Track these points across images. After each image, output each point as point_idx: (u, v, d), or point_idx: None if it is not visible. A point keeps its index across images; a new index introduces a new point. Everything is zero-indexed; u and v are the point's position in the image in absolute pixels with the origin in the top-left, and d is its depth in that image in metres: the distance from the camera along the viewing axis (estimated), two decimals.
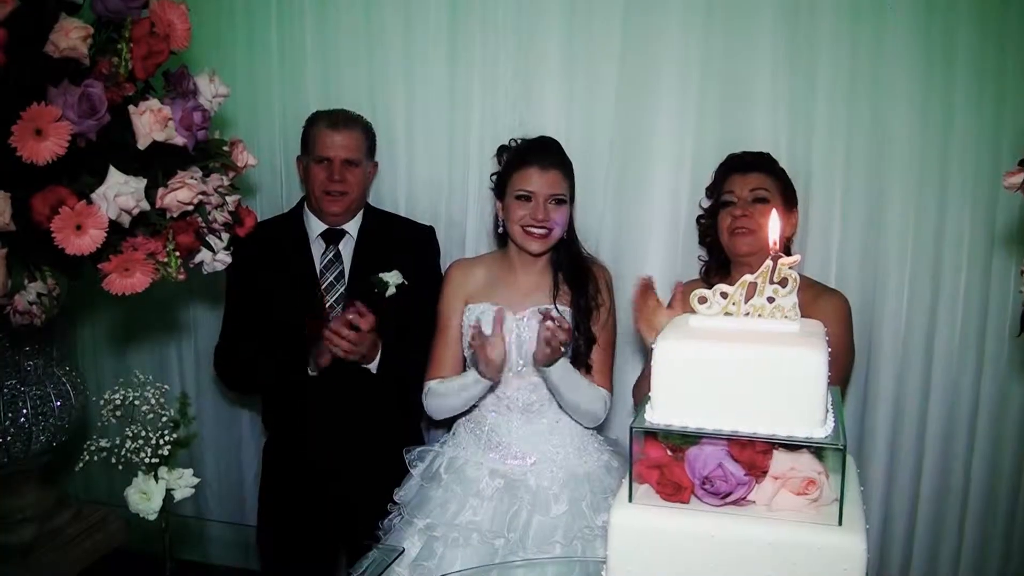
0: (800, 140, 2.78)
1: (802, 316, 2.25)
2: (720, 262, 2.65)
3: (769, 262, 1.38)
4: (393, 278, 2.70)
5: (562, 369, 2.40)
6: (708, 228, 2.70)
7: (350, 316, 2.54)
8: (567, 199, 2.53)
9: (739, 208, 2.50)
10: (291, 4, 3.15)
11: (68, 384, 2.13)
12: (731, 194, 2.53)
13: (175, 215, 1.88)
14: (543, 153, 2.53)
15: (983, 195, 2.70)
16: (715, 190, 2.66)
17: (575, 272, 2.60)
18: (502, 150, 2.66)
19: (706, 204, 2.74)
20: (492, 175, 2.67)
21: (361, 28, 3.10)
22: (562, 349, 2.35)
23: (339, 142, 2.73)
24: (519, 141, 2.63)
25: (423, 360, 2.68)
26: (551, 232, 2.50)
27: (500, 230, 2.62)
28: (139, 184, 1.77)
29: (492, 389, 2.51)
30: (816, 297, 2.44)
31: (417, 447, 2.63)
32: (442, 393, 2.55)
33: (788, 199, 2.56)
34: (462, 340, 2.61)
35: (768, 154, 2.61)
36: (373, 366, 2.67)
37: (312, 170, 2.74)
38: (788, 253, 2.44)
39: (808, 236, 2.81)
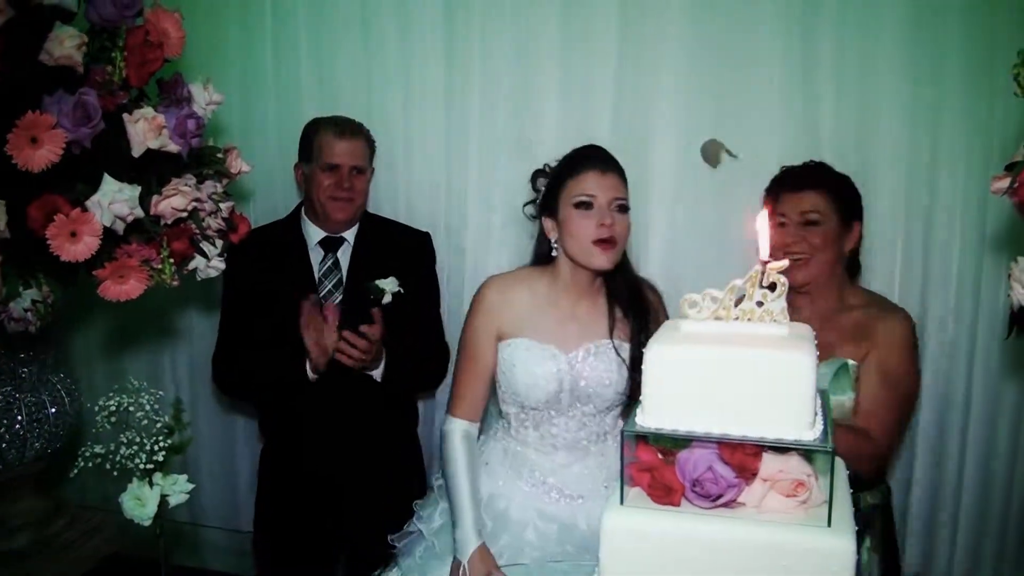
0: (789, 144, 2.79)
1: (861, 337, 2.28)
2: None
3: (758, 266, 1.40)
4: (389, 285, 2.70)
5: None
6: None
7: (361, 327, 2.55)
8: (628, 206, 2.28)
9: (789, 234, 2.33)
10: (286, 10, 3.16)
11: (63, 391, 2.14)
12: (783, 216, 2.35)
13: (169, 222, 1.89)
14: (598, 157, 2.28)
15: (973, 198, 2.71)
16: (768, 204, 2.41)
17: (634, 300, 2.34)
18: (538, 174, 2.42)
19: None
20: (526, 204, 2.46)
21: (357, 34, 3.11)
22: None
23: (348, 149, 2.73)
24: (552, 164, 2.38)
25: (419, 367, 2.67)
26: (618, 243, 2.22)
27: (553, 251, 2.31)
28: (133, 191, 1.78)
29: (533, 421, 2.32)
30: (877, 317, 2.32)
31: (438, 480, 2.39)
32: (451, 467, 2.29)
33: (845, 214, 2.36)
34: (495, 375, 2.34)
35: (823, 165, 2.43)
36: (377, 374, 2.67)
37: (318, 177, 2.72)
38: (855, 268, 2.43)
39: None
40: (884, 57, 2.71)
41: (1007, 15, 2.58)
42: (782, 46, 2.77)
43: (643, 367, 1.38)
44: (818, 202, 2.32)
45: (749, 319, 1.43)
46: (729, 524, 1.32)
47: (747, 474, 1.35)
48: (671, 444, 1.39)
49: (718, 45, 2.82)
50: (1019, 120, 2.55)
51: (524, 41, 2.97)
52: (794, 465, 1.34)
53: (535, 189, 2.41)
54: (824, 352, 2.25)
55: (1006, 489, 2.84)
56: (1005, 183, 1.68)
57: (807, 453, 1.35)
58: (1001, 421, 2.81)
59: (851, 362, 2.26)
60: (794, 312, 2.30)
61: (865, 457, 2.23)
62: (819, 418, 1.35)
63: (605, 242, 2.19)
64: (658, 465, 1.39)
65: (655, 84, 2.90)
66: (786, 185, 2.39)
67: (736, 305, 1.43)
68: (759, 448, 1.34)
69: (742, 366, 1.33)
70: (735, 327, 1.44)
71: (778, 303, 1.41)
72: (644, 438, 1.41)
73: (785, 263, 1.41)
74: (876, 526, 2.33)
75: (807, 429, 1.31)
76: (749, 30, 2.79)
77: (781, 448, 1.34)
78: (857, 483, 2.24)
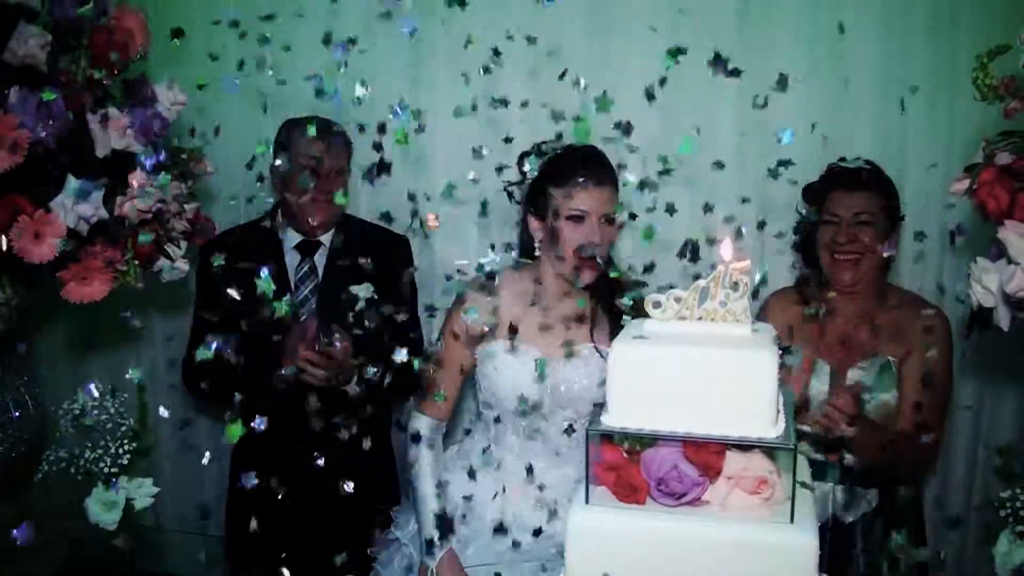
0: (756, 147, 2.80)
1: (901, 336, 2.31)
2: (819, 275, 2.43)
3: (721, 267, 1.41)
4: (363, 292, 2.64)
5: None
6: (809, 238, 2.46)
7: (327, 342, 2.48)
8: (615, 217, 2.18)
9: (843, 233, 2.31)
10: (250, 11, 3.11)
11: (27, 394, 2.10)
12: (833, 215, 2.34)
13: (134, 223, 1.88)
14: (597, 167, 2.14)
15: (936, 200, 2.75)
16: (815, 201, 2.43)
17: (615, 301, 2.15)
18: (526, 155, 2.23)
19: (803, 208, 2.52)
20: (510, 185, 2.31)
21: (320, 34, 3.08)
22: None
23: (324, 149, 2.64)
24: (546, 147, 2.23)
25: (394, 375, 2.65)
26: (603, 257, 2.12)
27: (537, 251, 2.23)
28: (98, 192, 1.77)
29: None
30: (916, 316, 2.31)
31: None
32: (417, 468, 2.30)
33: (892, 218, 2.36)
34: (461, 373, 2.32)
35: (873, 166, 2.37)
36: (351, 389, 2.59)
37: (294, 178, 2.63)
38: (887, 269, 2.44)
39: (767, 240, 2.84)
40: (854, 67, 2.75)
41: (968, 33, 2.63)
42: (745, 48, 2.77)
43: (608, 367, 1.39)
44: (871, 203, 2.32)
45: (712, 319, 1.45)
46: (694, 522, 1.34)
47: (711, 472, 1.37)
48: (636, 443, 1.40)
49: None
50: (979, 122, 2.59)
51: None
52: (757, 463, 1.36)
53: (521, 171, 2.25)
54: (866, 349, 2.33)
55: (967, 487, 2.91)
56: (965, 184, 1.71)
57: (770, 451, 1.37)
58: (960, 420, 2.88)
59: (892, 359, 2.30)
60: (833, 311, 2.35)
61: (923, 461, 2.34)
62: (781, 416, 1.37)
63: (592, 260, 2.09)
64: (623, 464, 1.40)
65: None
66: (838, 184, 2.36)
67: (700, 305, 1.45)
68: (723, 446, 1.36)
69: (705, 365, 1.34)
70: (698, 327, 1.45)
71: (740, 303, 1.43)
72: (609, 437, 1.42)
73: (747, 263, 1.42)
74: (910, 518, 2.37)
75: (770, 427, 1.33)
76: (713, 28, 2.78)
77: (744, 446, 1.36)
78: (894, 478, 2.30)
